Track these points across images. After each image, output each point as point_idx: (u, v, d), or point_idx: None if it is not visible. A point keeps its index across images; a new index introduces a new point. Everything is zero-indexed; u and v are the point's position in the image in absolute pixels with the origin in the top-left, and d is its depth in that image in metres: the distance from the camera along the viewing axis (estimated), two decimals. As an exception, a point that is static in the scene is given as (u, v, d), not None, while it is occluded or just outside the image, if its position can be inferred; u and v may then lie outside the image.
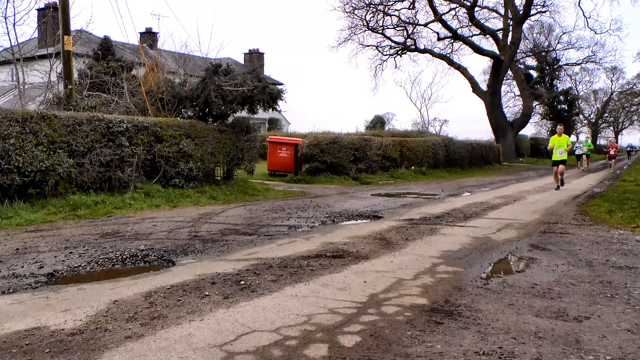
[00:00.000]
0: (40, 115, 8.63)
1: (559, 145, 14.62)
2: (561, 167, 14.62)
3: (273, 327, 3.36)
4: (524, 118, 40.44)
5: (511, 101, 52.16)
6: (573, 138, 46.97)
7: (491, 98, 35.33)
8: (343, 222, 8.20)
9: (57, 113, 9.13)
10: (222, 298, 3.99)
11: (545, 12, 36.97)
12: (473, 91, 36.39)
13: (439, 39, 35.34)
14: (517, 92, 47.18)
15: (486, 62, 47.71)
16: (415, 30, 35.03)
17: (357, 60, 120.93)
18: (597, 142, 73.28)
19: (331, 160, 16.39)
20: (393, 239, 6.60)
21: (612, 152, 28.69)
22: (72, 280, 4.60)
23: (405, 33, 35.07)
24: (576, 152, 26.73)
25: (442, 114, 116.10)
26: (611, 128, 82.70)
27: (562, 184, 15.00)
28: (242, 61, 41.63)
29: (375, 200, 11.50)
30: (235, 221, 7.96)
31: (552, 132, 36.93)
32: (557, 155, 14.59)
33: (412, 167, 20.53)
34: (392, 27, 34.51)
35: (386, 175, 18.48)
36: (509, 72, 40.62)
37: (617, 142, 53.12)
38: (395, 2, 33.30)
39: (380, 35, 34.46)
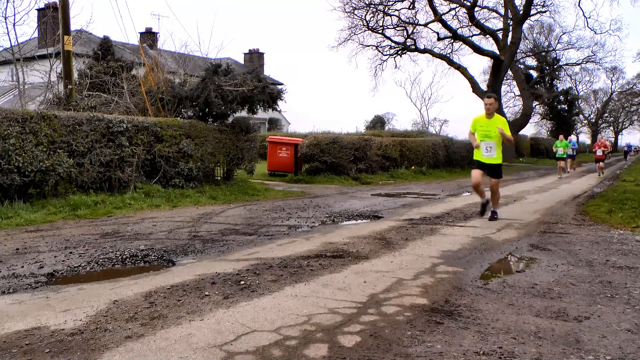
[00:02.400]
0: (40, 115, 8.63)
1: (486, 135, 8.07)
2: (477, 173, 8.25)
3: (273, 327, 3.36)
4: (524, 118, 40.45)
5: (511, 101, 52.25)
6: (574, 138, 46.14)
7: (491, 98, 35.27)
8: (343, 222, 8.20)
9: (57, 113, 9.13)
10: (222, 298, 3.99)
11: (545, 12, 37.00)
12: (473, 91, 36.38)
13: (439, 39, 35.34)
14: (517, 92, 47.25)
15: (486, 62, 47.79)
16: (415, 30, 35.02)
17: (357, 60, 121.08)
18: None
19: (331, 160, 16.39)
20: (393, 239, 6.60)
21: (599, 153, 22.64)
22: (72, 280, 4.60)
23: (405, 33, 35.06)
24: (556, 155, 22.10)
25: (442, 114, 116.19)
26: (611, 128, 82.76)
27: (485, 211, 8.53)
28: (242, 61, 41.66)
29: (375, 200, 11.50)
30: (235, 221, 7.96)
31: (553, 133, 34.66)
32: (482, 154, 8.16)
33: (412, 167, 20.54)
34: (392, 27, 34.50)
35: (386, 175, 18.48)
36: (509, 72, 40.63)
37: (608, 140, 50.26)
38: (395, 2, 33.29)
39: (380, 35, 34.45)
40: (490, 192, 8.45)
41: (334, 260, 5.32)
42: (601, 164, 22.46)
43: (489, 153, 8.15)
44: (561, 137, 22.72)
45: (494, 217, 8.41)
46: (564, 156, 21.93)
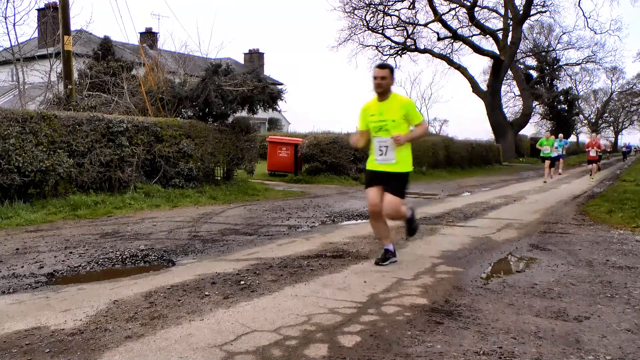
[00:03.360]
0: (40, 115, 8.62)
1: (380, 127, 5.04)
2: (375, 194, 5.16)
3: (273, 327, 3.36)
4: (524, 118, 40.49)
5: (511, 101, 52.28)
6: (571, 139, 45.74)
7: (491, 98, 35.37)
8: (343, 222, 8.20)
9: (57, 113, 9.12)
10: (222, 298, 3.99)
11: (545, 12, 37.04)
12: (473, 91, 36.41)
13: (439, 39, 35.37)
14: (517, 92, 47.27)
15: (486, 62, 47.79)
16: (415, 30, 35.09)
17: (357, 60, 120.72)
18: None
19: (331, 160, 16.38)
20: (393, 239, 6.59)
21: (592, 154, 20.12)
22: (72, 280, 4.60)
23: (405, 33, 35.11)
24: (540, 154, 19.36)
25: (442, 114, 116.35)
26: (611, 128, 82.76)
27: (391, 254, 5.19)
28: (242, 61, 41.64)
29: (375, 200, 11.48)
30: (235, 221, 7.96)
31: (554, 133, 32.03)
32: (374, 160, 5.17)
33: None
34: (392, 27, 34.56)
35: (386, 175, 18.44)
36: (509, 72, 40.67)
37: (608, 140, 48.37)
38: (395, 2, 33.34)
39: (380, 35, 34.50)
40: (376, 211, 5.19)
41: (334, 260, 5.32)
42: (593, 165, 20.28)
43: (384, 156, 5.02)
44: (547, 134, 20.90)
45: (386, 257, 5.14)
46: (551, 155, 18.93)
